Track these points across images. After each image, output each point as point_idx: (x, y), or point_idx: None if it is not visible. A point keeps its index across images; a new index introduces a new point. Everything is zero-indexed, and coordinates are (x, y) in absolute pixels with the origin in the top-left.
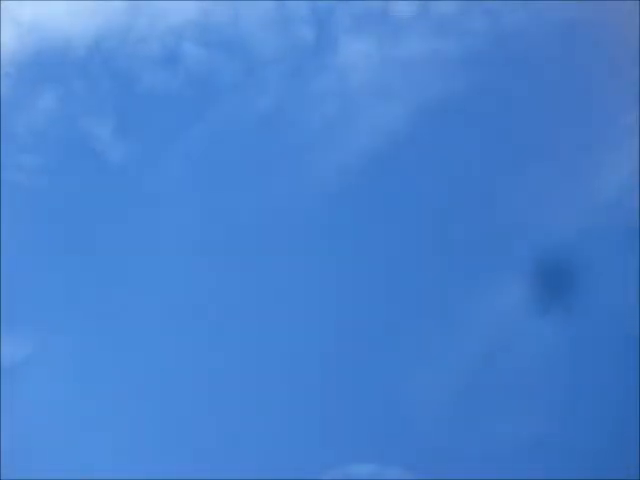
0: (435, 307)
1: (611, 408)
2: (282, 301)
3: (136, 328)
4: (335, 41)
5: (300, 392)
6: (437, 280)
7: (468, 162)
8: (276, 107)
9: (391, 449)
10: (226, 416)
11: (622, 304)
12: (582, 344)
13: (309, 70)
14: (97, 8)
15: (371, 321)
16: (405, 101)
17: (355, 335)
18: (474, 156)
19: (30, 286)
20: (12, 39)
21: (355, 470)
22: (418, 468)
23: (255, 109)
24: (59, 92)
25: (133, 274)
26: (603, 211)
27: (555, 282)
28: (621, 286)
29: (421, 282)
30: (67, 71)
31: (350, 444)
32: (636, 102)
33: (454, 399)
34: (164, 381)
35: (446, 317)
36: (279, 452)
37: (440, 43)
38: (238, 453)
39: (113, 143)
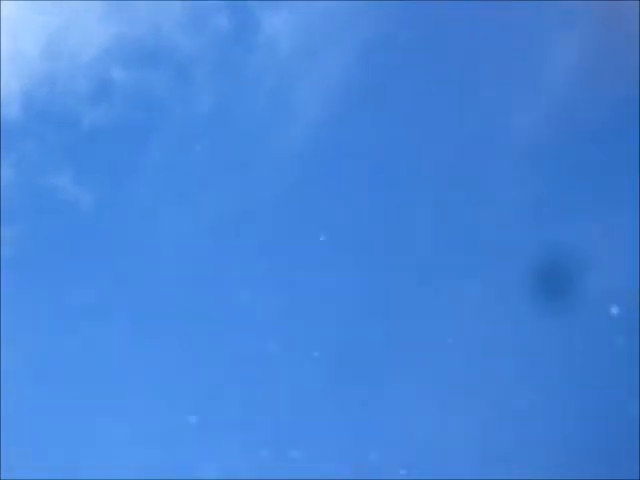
0: (429, 305)
1: (611, 408)
2: (279, 301)
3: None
4: (253, 20)
5: (299, 392)
6: (429, 273)
7: (421, 110)
8: (217, 103)
9: (391, 449)
10: (225, 415)
11: (621, 297)
12: (580, 341)
13: (237, 56)
14: (16, 62)
15: (364, 318)
16: (340, 56)
17: (350, 333)
18: (425, 105)
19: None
20: None
21: (352, 469)
22: (418, 468)
23: (198, 111)
24: (11, 159)
25: (130, 301)
26: None
27: (550, 272)
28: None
29: (409, 278)
30: (10, 135)
31: (349, 443)
32: (636, 102)
33: (453, 399)
34: (165, 381)
35: (439, 316)
36: (278, 451)
37: None
38: (238, 453)
39: (78, 191)
